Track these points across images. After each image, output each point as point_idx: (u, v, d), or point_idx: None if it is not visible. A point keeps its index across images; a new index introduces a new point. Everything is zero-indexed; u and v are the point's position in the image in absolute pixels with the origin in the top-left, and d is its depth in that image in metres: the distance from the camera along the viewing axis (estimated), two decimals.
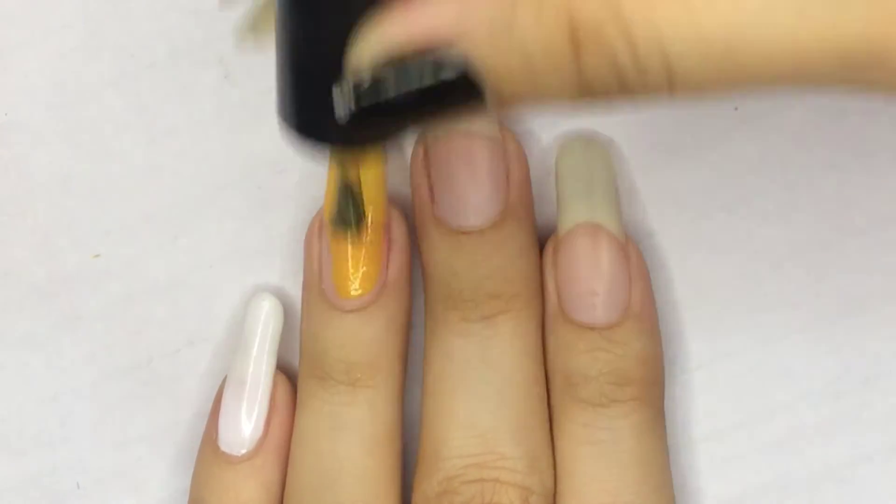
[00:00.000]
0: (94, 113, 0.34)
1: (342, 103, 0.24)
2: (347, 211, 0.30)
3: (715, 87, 0.22)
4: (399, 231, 0.33)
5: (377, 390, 0.33)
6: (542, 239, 0.34)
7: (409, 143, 0.33)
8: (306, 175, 0.34)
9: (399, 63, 0.24)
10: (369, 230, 0.32)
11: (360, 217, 0.30)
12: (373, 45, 0.24)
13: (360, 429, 0.33)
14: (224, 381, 0.34)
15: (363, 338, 0.33)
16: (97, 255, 0.35)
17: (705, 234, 0.34)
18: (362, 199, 0.30)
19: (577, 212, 0.33)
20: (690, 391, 0.35)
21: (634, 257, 0.33)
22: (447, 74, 0.23)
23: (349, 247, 0.33)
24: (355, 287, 0.33)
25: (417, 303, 0.34)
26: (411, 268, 0.34)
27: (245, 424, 0.33)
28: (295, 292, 0.35)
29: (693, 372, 0.35)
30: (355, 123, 0.24)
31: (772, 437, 0.35)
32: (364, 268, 0.33)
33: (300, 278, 0.34)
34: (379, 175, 0.32)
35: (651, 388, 0.33)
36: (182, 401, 0.35)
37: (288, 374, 0.34)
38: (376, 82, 0.24)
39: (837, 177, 0.34)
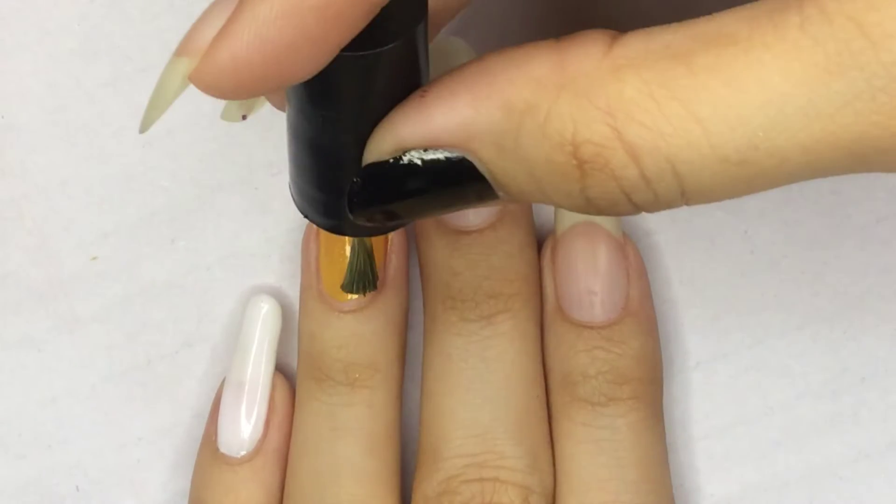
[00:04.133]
0: (91, 115, 0.34)
1: (357, 200, 0.25)
2: (367, 275, 0.31)
3: (731, 194, 0.22)
4: (397, 231, 0.33)
5: (375, 390, 0.33)
6: (541, 238, 0.34)
7: None
8: None
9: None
10: None
11: (375, 278, 0.31)
12: (387, 143, 0.24)
13: (359, 429, 0.33)
14: (223, 382, 0.34)
15: (361, 338, 0.33)
16: (95, 258, 0.35)
17: (703, 233, 0.34)
18: (374, 263, 0.31)
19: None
20: (689, 389, 0.35)
21: (632, 256, 0.33)
22: (457, 169, 0.23)
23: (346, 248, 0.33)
24: None
25: (416, 303, 0.34)
26: (409, 267, 0.34)
27: (244, 426, 0.33)
28: (293, 293, 0.35)
29: (691, 370, 0.35)
30: (368, 216, 0.25)
31: (770, 436, 0.35)
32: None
33: (298, 279, 0.34)
34: None
35: (649, 387, 0.33)
36: (181, 402, 0.35)
37: (287, 375, 0.34)
38: (390, 170, 0.24)
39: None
